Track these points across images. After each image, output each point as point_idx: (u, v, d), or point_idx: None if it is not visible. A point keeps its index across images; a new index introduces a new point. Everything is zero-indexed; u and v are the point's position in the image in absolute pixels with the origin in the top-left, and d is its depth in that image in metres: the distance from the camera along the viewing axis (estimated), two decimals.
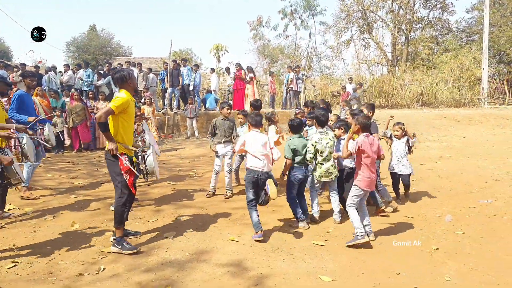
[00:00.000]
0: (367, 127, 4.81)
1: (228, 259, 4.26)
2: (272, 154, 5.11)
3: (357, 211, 4.76)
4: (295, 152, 5.26)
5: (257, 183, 4.94)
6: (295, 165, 5.30)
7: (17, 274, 3.85)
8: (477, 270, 4.00)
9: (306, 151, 5.28)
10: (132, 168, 4.41)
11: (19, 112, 6.25)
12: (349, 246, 4.57)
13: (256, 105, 7.07)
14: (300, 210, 5.31)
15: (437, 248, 4.53)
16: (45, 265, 4.05)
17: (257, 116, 5.26)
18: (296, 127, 5.43)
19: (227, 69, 18.67)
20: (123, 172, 4.35)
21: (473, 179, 7.58)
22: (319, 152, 5.32)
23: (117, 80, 4.49)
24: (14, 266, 4.02)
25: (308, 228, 5.22)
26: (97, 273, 3.89)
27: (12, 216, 5.53)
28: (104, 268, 3.99)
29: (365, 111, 6.04)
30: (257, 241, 4.73)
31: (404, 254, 4.41)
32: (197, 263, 4.14)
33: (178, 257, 4.28)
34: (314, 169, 5.48)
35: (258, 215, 4.93)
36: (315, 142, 5.26)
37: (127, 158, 4.40)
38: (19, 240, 4.70)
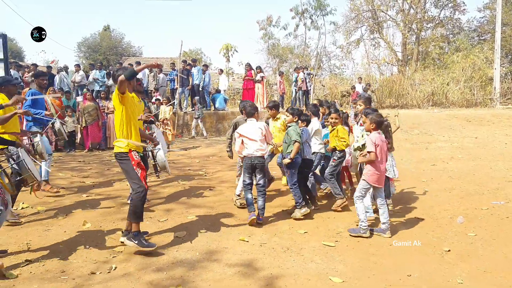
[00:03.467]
0: (380, 124, 5.05)
1: (238, 259, 4.27)
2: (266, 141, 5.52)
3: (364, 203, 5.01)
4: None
5: (253, 167, 5.41)
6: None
7: (31, 272, 3.90)
8: (489, 272, 3.96)
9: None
10: (142, 163, 4.45)
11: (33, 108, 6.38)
12: (350, 235, 4.93)
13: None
14: (301, 196, 5.61)
15: (449, 250, 4.49)
16: (57, 264, 4.10)
17: (251, 106, 5.70)
18: (300, 115, 5.92)
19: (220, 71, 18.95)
20: (134, 167, 4.34)
21: (485, 180, 7.51)
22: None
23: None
24: (28, 264, 4.06)
25: (308, 212, 5.55)
26: (108, 272, 3.93)
27: (19, 216, 5.57)
28: (115, 267, 4.03)
29: (363, 105, 6.16)
30: (252, 221, 5.23)
31: (416, 256, 4.38)
32: (208, 263, 4.16)
33: (188, 257, 4.30)
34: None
35: (252, 196, 5.40)
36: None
37: (136, 154, 4.42)
38: (32, 238, 4.76)
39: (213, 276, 3.87)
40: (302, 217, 5.50)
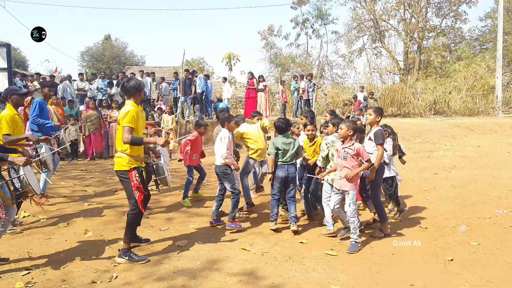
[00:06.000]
0: (356, 131, 5.09)
1: (240, 268, 4.25)
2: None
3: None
4: (277, 150, 5.46)
5: (217, 175, 5.74)
6: (279, 163, 5.50)
7: (31, 281, 3.88)
8: (493, 282, 3.93)
9: (294, 150, 5.49)
10: (142, 185, 4.37)
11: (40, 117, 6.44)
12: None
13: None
14: (276, 211, 5.55)
15: (452, 259, 4.47)
16: (58, 273, 4.09)
17: (222, 116, 5.91)
18: (282, 128, 5.61)
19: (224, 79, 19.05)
20: (133, 189, 4.30)
21: (488, 189, 7.47)
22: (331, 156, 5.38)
23: (131, 89, 4.38)
24: (28, 273, 4.06)
25: (276, 229, 5.42)
26: (109, 281, 3.92)
27: (23, 224, 5.57)
28: (116, 276, 4.01)
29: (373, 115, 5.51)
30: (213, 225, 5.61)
31: (418, 265, 4.35)
32: (209, 272, 4.14)
33: (190, 266, 4.29)
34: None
35: (218, 206, 5.75)
36: (328, 144, 5.40)
37: (137, 174, 4.34)
38: (33, 247, 4.76)
39: (214, 286, 3.85)
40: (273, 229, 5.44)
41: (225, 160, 5.59)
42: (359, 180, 5.03)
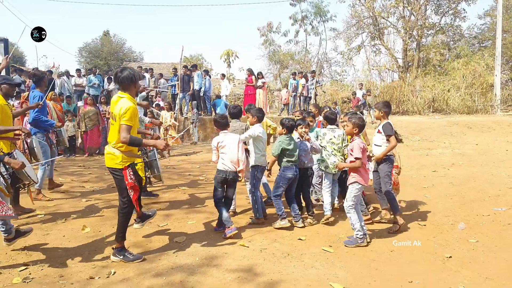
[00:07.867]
0: (362, 128, 5.12)
1: (238, 264, 4.24)
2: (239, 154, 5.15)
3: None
4: (283, 151, 5.40)
5: (225, 182, 5.18)
6: (286, 164, 5.43)
7: (29, 276, 3.86)
8: (491, 279, 3.93)
9: (298, 150, 5.51)
10: (136, 183, 4.21)
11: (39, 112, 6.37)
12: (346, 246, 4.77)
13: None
14: (282, 208, 5.44)
15: (450, 256, 4.47)
16: (56, 269, 4.07)
17: (222, 118, 5.35)
18: (290, 127, 5.50)
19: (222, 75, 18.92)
20: (128, 188, 4.16)
21: (486, 187, 7.48)
22: (323, 147, 5.82)
23: (125, 80, 4.09)
24: (26, 269, 4.04)
25: (289, 226, 5.36)
26: (107, 277, 3.90)
27: (19, 218, 5.54)
28: (114, 272, 4.00)
29: (377, 112, 5.68)
30: (232, 236, 4.95)
31: (417, 262, 4.35)
32: (207, 268, 4.13)
33: (188, 262, 4.28)
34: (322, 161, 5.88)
35: (227, 211, 5.20)
36: (320, 136, 5.87)
37: (131, 172, 4.17)
38: (31, 242, 4.73)
39: (213, 282, 3.84)
40: (280, 227, 5.33)
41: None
42: (362, 176, 4.91)
